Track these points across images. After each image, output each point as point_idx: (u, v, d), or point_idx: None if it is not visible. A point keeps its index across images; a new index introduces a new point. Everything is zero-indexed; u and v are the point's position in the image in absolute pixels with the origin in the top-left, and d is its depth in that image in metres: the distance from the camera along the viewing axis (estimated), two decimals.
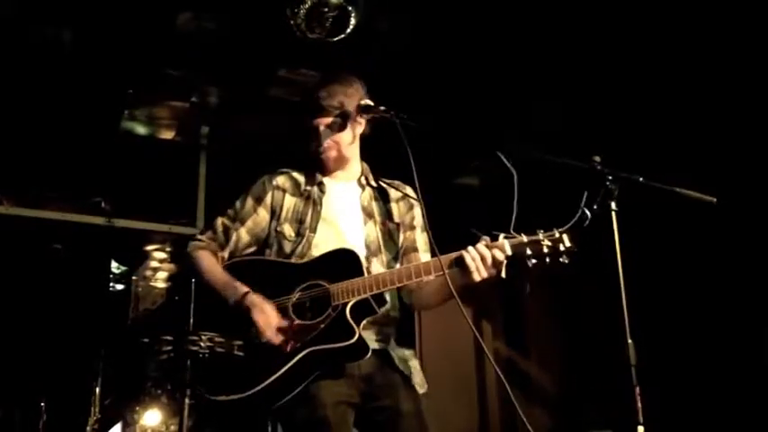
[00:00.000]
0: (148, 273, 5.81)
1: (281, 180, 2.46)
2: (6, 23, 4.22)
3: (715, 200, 2.22)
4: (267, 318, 2.17)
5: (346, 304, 2.16)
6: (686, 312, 4.37)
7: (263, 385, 2.15)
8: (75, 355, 5.01)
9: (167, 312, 5.35)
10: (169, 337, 4.04)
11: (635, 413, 2.00)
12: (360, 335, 2.13)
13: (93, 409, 4.50)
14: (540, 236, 2.07)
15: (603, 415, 4.55)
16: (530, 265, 2.08)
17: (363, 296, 2.16)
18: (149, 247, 5.73)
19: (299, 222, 2.38)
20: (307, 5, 3.88)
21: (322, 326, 2.16)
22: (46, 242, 5.38)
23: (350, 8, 3.89)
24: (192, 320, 2.61)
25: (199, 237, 2.46)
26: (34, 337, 4.96)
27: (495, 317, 6.25)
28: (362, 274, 2.18)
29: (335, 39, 4.05)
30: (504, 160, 2.13)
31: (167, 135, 5.54)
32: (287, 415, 2.21)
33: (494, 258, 2.08)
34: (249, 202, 2.44)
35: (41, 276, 5.27)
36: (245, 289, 2.23)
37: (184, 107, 5.18)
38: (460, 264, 2.11)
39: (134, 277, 5.84)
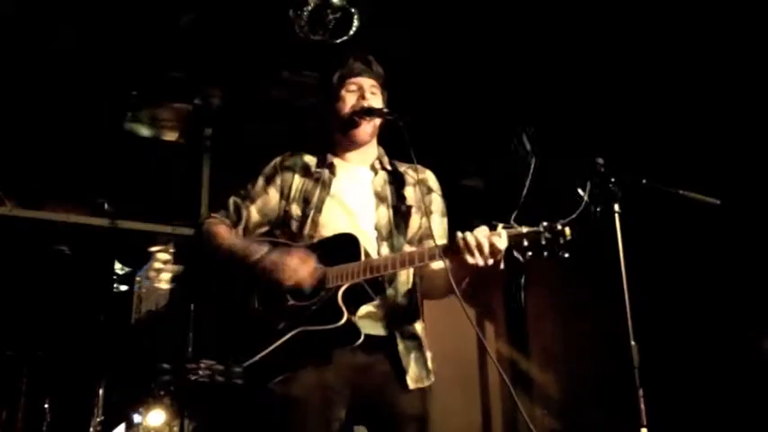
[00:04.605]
0: (152, 274, 5.82)
1: (291, 161, 2.45)
2: (8, 23, 4.24)
3: (719, 202, 2.22)
4: (295, 262, 2.17)
5: (339, 288, 2.13)
6: (690, 314, 4.37)
7: (255, 359, 2.16)
8: (78, 355, 5.02)
9: (170, 314, 5.36)
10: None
11: (638, 415, 2.00)
12: (348, 318, 2.09)
13: (96, 409, 4.51)
14: (541, 228, 1.98)
15: (606, 417, 4.55)
16: (526, 257, 1.99)
17: (356, 280, 2.12)
18: (153, 249, 5.74)
19: (305, 202, 2.35)
20: (310, 7, 3.89)
21: (313, 308, 2.15)
22: (49, 243, 5.40)
23: (352, 10, 3.90)
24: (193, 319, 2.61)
25: (212, 214, 2.45)
26: (38, 338, 4.97)
27: (497, 317, 6.25)
28: (360, 258, 2.14)
29: (338, 41, 4.05)
30: (526, 145, 2.10)
31: (171, 137, 5.54)
32: (266, 391, 2.19)
33: (492, 246, 1.99)
34: (260, 182, 2.43)
35: (45, 277, 5.28)
36: (266, 247, 2.24)
37: (188, 109, 5.19)
38: (455, 250, 2.04)
39: (137, 278, 5.85)
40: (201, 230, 2.41)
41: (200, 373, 2.21)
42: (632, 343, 2.05)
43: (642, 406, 2.01)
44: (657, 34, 4.10)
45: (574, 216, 1.99)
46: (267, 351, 2.14)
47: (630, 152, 3.59)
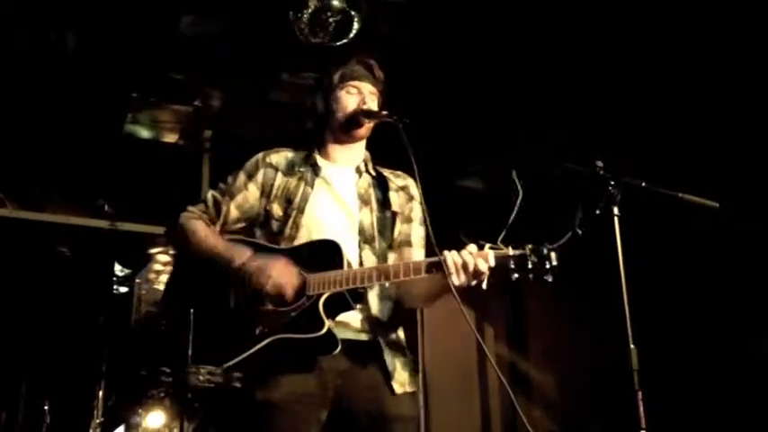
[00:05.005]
0: (152, 275, 5.81)
1: (274, 158, 2.41)
2: (9, 24, 4.24)
3: (718, 205, 2.22)
4: (279, 269, 2.13)
5: (320, 296, 2.10)
6: (689, 317, 4.37)
7: (231, 363, 2.14)
8: (78, 356, 5.02)
9: (169, 316, 5.35)
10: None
11: (637, 418, 2.00)
12: (329, 328, 2.07)
13: (95, 411, 4.51)
14: (527, 251, 1.98)
15: (605, 419, 4.55)
16: (512, 278, 1.99)
17: (338, 290, 2.09)
18: (153, 250, 5.74)
19: (287, 202, 2.31)
20: (310, 10, 3.89)
21: (293, 314, 2.12)
22: (50, 245, 5.40)
23: (352, 13, 3.90)
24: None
25: (190, 209, 2.40)
26: (38, 339, 4.97)
27: (497, 320, 6.25)
28: (342, 266, 2.12)
29: (338, 43, 4.06)
30: (516, 180, 2.09)
31: (170, 139, 5.55)
32: (247, 396, 2.17)
33: (476, 267, 2.00)
34: (241, 177, 2.38)
35: (45, 279, 5.28)
36: (248, 252, 2.20)
37: (187, 111, 5.19)
38: (441, 266, 2.03)
39: (137, 280, 5.84)
40: (179, 224, 2.37)
41: (200, 378, 2.17)
42: (631, 346, 2.05)
43: (641, 408, 2.01)
44: (657, 35, 4.10)
45: (561, 242, 1.98)
46: (244, 356, 2.12)
47: (630, 154, 3.59)
